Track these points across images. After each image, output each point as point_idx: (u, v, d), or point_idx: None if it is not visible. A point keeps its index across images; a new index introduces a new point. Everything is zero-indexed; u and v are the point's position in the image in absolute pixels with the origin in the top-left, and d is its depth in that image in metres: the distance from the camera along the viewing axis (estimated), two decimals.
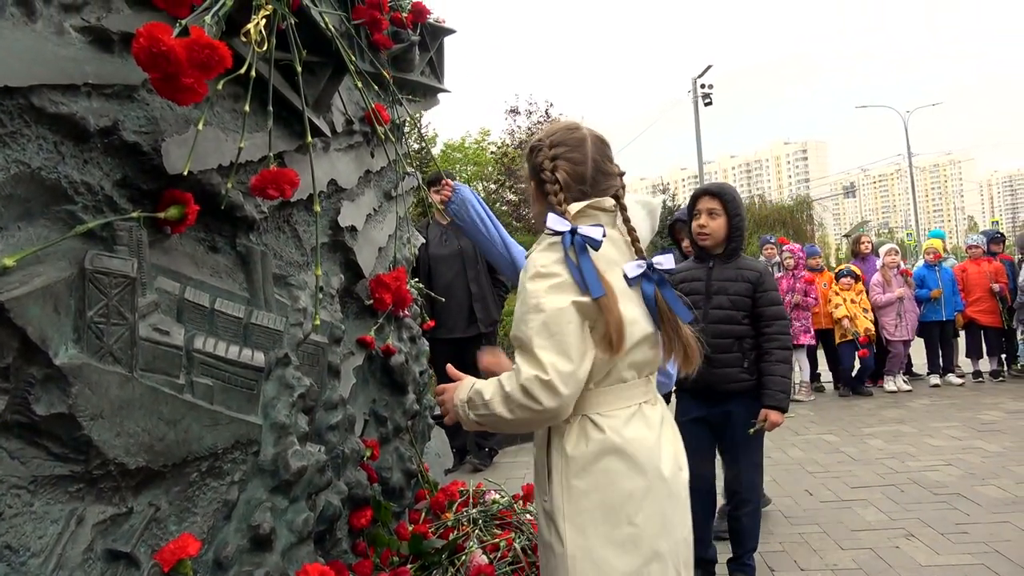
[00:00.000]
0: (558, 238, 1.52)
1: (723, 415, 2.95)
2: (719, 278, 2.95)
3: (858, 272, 7.49)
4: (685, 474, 1.63)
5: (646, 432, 1.55)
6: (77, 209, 1.30)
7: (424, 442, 3.37)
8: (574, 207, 1.56)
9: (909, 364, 7.93)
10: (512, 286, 2.91)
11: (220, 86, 1.51)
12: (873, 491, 4.16)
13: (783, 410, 2.89)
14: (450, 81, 3.58)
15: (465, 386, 1.60)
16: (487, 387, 1.53)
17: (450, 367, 1.74)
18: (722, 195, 2.94)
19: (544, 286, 1.48)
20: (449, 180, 2.85)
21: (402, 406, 2.92)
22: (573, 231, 1.49)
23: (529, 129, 15.95)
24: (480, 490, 3.24)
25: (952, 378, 7.65)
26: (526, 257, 1.61)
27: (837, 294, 7.34)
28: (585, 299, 1.45)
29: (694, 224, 3.01)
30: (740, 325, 2.92)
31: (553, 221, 1.52)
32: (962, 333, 8.08)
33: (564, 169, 1.58)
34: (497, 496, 3.20)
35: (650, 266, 1.59)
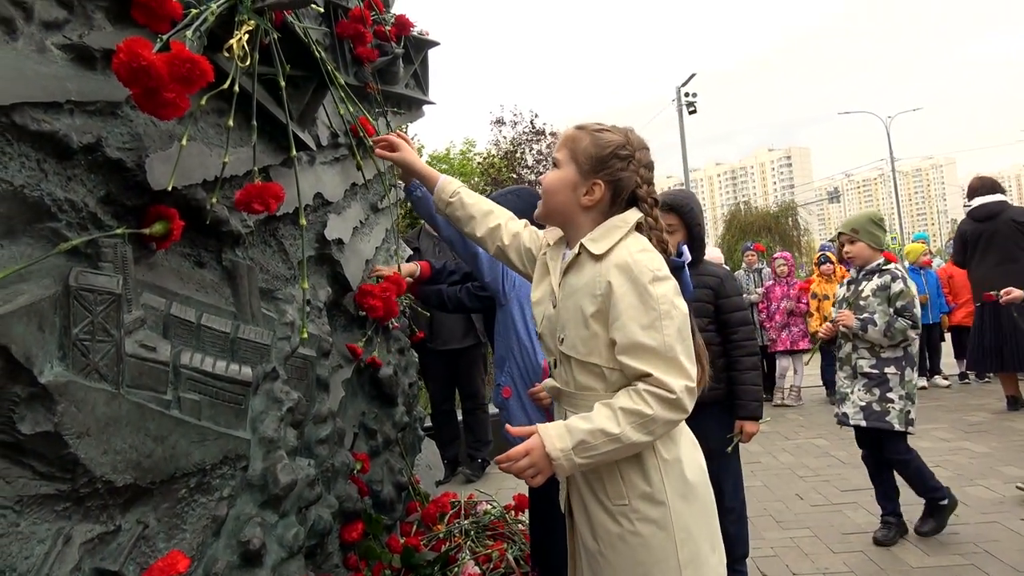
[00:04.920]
0: (641, 237, 1.56)
1: (695, 427, 2.85)
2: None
3: (832, 257, 7.43)
4: None
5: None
6: (61, 226, 1.29)
7: (415, 454, 3.36)
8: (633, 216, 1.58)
9: None
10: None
11: (204, 101, 1.51)
12: (863, 494, 4.18)
13: (757, 418, 2.87)
14: (435, 92, 3.60)
15: (555, 435, 1.44)
16: (603, 421, 1.41)
17: (510, 427, 1.60)
18: (678, 208, 2.82)
19: (670, 290, 1.46)
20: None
21: (391, 418, 2.92)
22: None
23: (514, 140, 15.97)
24: (472, 501, 3.23)
25: (939, 380, 7.71)
26: (597, 254, 1.54)
27: (815, 296, 7.25)
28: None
29: None
30: (706, 332, 2.81)
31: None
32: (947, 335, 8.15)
33: (647, 188, 1.61)
34: (489, 507, 3.19)
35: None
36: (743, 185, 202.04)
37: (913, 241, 8.71)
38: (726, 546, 2.90)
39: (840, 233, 3.74)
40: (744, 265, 8.19)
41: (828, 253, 7.47)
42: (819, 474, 4.71)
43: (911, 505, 3.52)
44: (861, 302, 3.57)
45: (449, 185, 1.99)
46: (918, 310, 3.42)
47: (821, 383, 7.66)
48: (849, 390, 3.54)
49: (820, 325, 7.15)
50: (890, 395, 3.39)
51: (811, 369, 8.12)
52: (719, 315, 2.88)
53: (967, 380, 7.75)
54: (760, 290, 7.56)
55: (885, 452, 3.49)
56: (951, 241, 8.72)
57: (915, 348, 3.48)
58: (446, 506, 3.00)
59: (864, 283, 3.61)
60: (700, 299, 2.83)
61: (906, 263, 8.24)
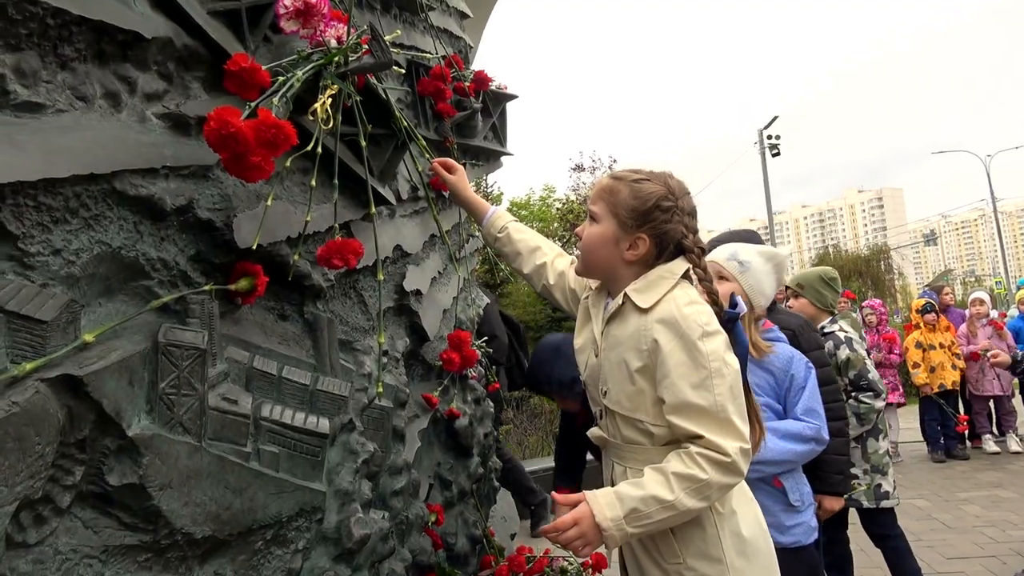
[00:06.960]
0: (690, 287, 1.49)
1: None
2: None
3: (936, 305, 7.04)
4: None
5: None
6: (153, 284, 1.36)
7: (490, 506, 3.32)
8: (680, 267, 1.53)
9: (1002, 422, 7.30)
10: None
11: (289, 163, 1.57)
12: (972, 563, 3.86)
13: (841, 494, 2.60)
14: (514, 142, 3.65)
15: (605, 503, 1.37)
16: (655, 487, 1.35)
17: (556, 495, 1.50)
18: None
19: (721, 345, 1.40)
20: None
21: (467, 469, 2.90)
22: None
23: (592, 185, 16.05)
24: (548, 556, 3.16)
25: None
26: (646, 307, 1.46)
27: (919, 346, 6.88)
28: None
29: None
30: None
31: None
32: None
33: (693, 237, 1.55)
34: (566, 563, 3.11)
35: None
36: (831, 227, 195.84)
37: (1019, 287, 8.15)
38: None
39: (786, 287, 3.50)
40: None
41: (931, 301, 7.10)
42: (920, 539, 4.38)
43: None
44: None
45: (499, 220, 1.96)
46: (874, 374, 3.11)
47: (922, 438, 7.18)
48: None
49: (927, 377, 6.77)
50: (852, 471, 3.10)
51: (910, 423, 7.67)
52: None
53: None
54: None
55: (869, 528, 3.27)
56: None
57: (874, 416, 3.16)
58: (522, 563, 2.94)
59: None
60: None
61: (1015, 311, 7.72)
